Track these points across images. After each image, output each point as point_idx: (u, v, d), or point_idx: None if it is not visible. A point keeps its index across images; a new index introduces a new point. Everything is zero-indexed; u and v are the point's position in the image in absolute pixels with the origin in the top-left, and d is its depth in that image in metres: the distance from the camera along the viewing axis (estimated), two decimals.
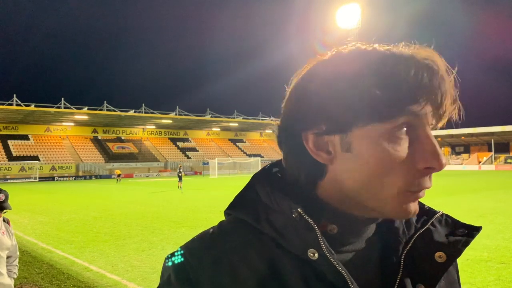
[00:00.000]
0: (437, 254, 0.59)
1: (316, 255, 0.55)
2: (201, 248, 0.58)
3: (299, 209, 0.57)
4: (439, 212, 0.65)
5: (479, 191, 19.21)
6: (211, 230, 0.62)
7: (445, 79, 0.54)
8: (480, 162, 65.51)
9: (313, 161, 0.59)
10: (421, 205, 0.66)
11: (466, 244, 0.60)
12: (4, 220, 3.35)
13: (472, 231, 0.62)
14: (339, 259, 0.56)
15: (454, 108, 0.56)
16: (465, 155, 71.02)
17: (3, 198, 3.23)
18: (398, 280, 0.58)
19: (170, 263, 0.58)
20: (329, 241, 0.56)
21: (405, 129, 0.53)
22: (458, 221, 0.64)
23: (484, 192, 18.90)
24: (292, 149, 0.61)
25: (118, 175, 39.56)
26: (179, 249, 0.60)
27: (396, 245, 0.61)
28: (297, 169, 0.62)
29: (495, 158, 65.22)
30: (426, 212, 0.65)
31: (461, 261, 6.07)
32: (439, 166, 0.53)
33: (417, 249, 0.60)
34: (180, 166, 29.05)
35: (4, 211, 3.24)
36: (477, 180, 29.80)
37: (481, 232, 0.59)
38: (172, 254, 0.59)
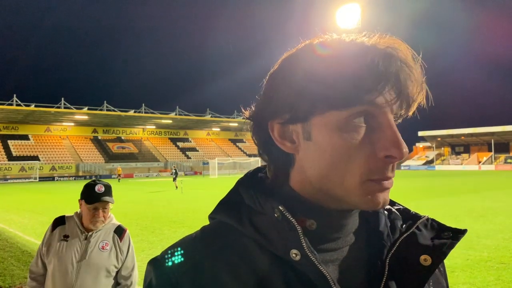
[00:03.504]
0: (422, 257, 0.59)
1: (298, 256, 0.54)
2: (183, 253, 0.58)
3: (280, 207, 0.57)
4: (424, 216, 0.65)
5: (479, 191, 19.19)
6: (194, 234, 0.62)
7: (408, 66, 0.54)
8: (480, 162, 65.49)
9: (281, 151, 0.60)
10: (407, 210, 0.67)
11: (451, 246, 0.60)
12: (115, 231, 2.37)
13: (457, 234, 0.62)
14: (322, 259, 0.56)
15: (420, 94, 0.56)
16: (465, 155, 71.02)
17: (102, 189, 2.33)
18: (383, 284, 0.57)
19: (152, 267, 0.58)
20: (310, 239, 0.56)
21: (363, 117, 0.53)
22: (443, 225, 0.64)
23: (484, 192, 18.89)
24: (262, 140, 0.63)
25: (119, 175, 39.40)
26: (161, 253, 0.59)
27: (381, 248, 0.61)
28: (269, 162, 0.64)
29: (495, 158, 65.22)
30: (412, 217, 0.65)
31: (461, 261, 6.06)
32: (399, 155, 0.53)
33: (402, 252, 0.60)
34: (175, 167, 29.16)
35: (103, 207, 2.32)
36: (477, 180, 29.79)
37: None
38: (155, 259, 0.59)
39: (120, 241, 2.36)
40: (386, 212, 0.67)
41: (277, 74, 0.59)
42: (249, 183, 0.65)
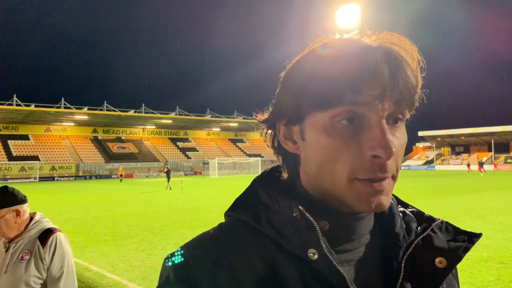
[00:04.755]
0: (438, 259, 0.59)
1: (316, 255, 0.55)
2: (200, 249, 0.58)
3: (300, 207, 0.57)
4: (439, 219, 0.65)
5: (479, 191, 19.19)
6: (211, 231, 0.62)
7: (398, 61, 0.54)
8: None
9: (288, 152, 0.63)
10: (421, 213, 0.67)
11: (467, 250, 0.60)
12: (40, 237, 2.08)
13: (472, 238, 0.62)
14: (338, 260, 0.56)
15: (416, 89, 0.56)
16: (465, 155, 70.97)
17: None
18: (398, 285, 0.57)
19: (169, 263, 0.58)
20: (326, 239, 0.56)
21: (349, 117, 0.53)
22: (458, 228, 0.64)
23: (484, 192, 18.88)
24: (274, 141, 0.66)
25: (121, 175, 39.27)
26: (178, 249, 0.60)
27: (397, 250, 0.61)
28: (282, 162, 0.67)
29: (495, 158, 65.18)
30: (427, 219, 0.66)
31: (461, 261, 6.07)
32: (385, 156, 0.52)
33: (417, 254, 0.60)
34: (168, 167, 28.79)
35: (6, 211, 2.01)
36: (477, 180, 29.79)
37: (481, 232, 0.59)
38: (172, 255, 0.59)
39: (42, 248, 2.04)
40: (401, 214, 0.66)
41: (282, 77, 0.62)
42: (265, 182, 0.66)
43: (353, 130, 0.54)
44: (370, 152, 0.52)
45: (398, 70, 0.53)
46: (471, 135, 68.07)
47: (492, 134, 64.82)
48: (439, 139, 74.01)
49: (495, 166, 52.48)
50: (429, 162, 71.01)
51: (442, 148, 75.98)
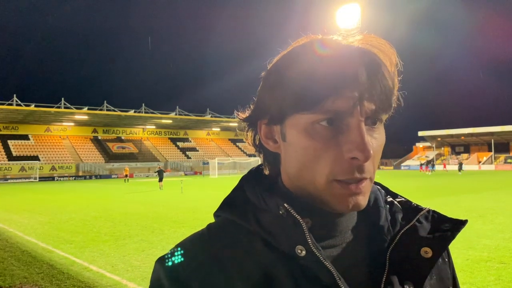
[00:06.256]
0: (423, 249, 0.59)
1: (304, 252, 0.55)
2: (191, 249, 0.59)
3: (285, 205, 0.58)
4: (425, 208, 0.65)
5: (479, 191, 19.19)
6: (201, 231, 0.63)
7: (376, 63, 0.54)
8: (480, 162, 65.46)
9: (269, 151, 0.64)
10: (409, 203, 0.67)
11: (452, 238, 0.60)
12: None
13: (457, 225, 0.62)
14: (325, 255, 0.57)
15: (394, 90, 0.56)
16: (465, 155, 70.96)
17: None
18: (384, 278, 0.58)
19: (160, 264, 0.59)
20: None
21: (329, 119, 0.54)
22: (444, 216, 0.64)
23: (484, 192, 18.88)
24: (255, 139, 0.67)
25: (126, 175, 38.89)
26: (169, 251, 0.60)
27: (381, 243, 0.61)
28: (263, 161, 0.67)
29: (495, 158, 65.19)
30: (413, 209, 0.65)
31: (461, 261, 6.07)
32: (362, 158, 0.53)
33: (402, 246, 0.60)
34: (160, 167, 28.34)
35: None
36: (477, 180, 29.78)
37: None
38: (163, 256, 0.59)
39: None
40: (387, 205, 0.67)
41: (264, 76, 0.62)
42: (253, 180, 0.66)
43: (333, 132, 0.54)
44: (349, 154, 0.53)
45: (376, 73, 0.53)
46: (471, 135, 68.05)
47: (492, 134, 64.79)
48: (439, 139, 74.00)
49: (444, 166, 55.50)
50: (429, 162, 71.00)
51: (442, 148, 75.97)
